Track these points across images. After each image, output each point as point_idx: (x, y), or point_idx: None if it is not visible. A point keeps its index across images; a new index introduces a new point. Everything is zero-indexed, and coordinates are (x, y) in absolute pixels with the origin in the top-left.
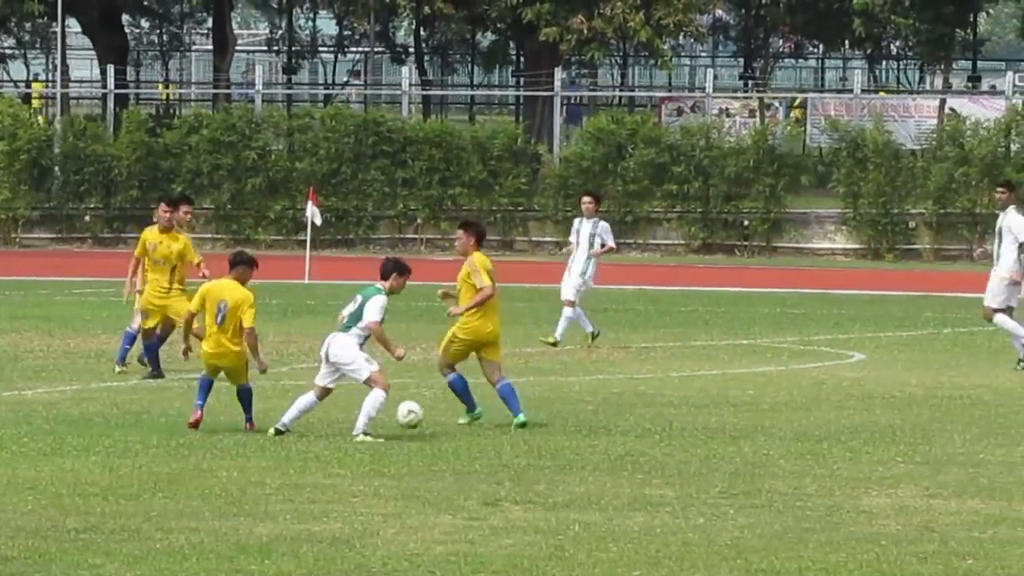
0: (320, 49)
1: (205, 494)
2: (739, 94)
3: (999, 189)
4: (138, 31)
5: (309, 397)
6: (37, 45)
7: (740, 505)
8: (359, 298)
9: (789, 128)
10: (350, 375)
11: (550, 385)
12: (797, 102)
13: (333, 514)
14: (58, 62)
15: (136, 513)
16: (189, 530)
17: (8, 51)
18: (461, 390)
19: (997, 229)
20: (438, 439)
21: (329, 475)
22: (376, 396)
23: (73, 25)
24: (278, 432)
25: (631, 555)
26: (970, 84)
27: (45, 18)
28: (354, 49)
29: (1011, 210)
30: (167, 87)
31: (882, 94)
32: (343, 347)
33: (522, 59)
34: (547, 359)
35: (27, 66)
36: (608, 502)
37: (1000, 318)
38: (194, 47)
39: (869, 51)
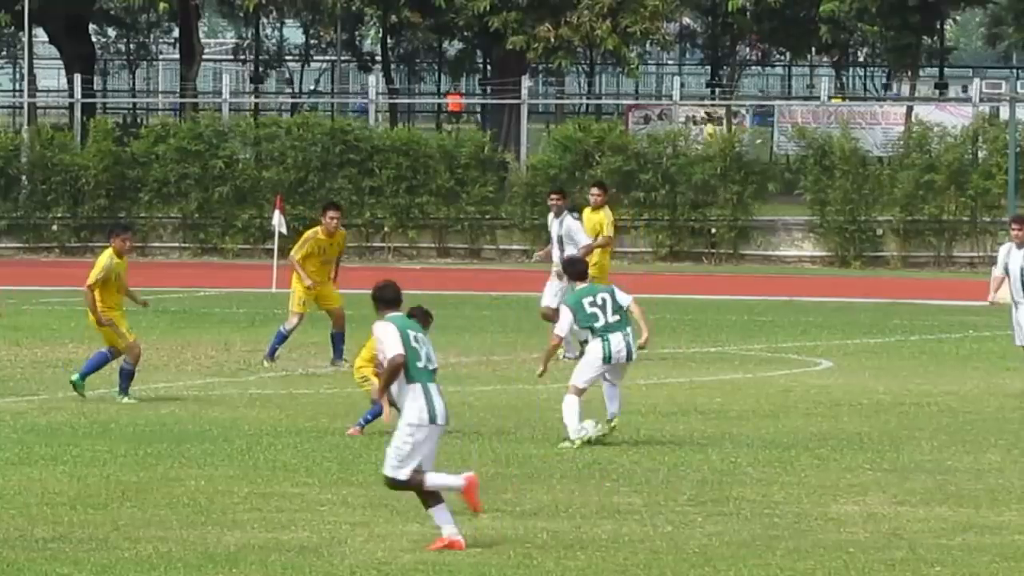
0: (287, 58)
1: (173, 503)
2: (706, 101)
3: (1014, 225)
4: (105, 40)
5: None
6: (3, 54)
7: (708, 513)
8: (602, 295)
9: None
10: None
11: (517, 393)
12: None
13: (301, 523)
14: (25, 71)
15: (104, 522)
16: (157, 539)
17: None
18: None
19: (1004, 265)
20: None
21: (297, 484)
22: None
23: (40, 35)
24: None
25: (599, 563)
26: (937, 91)
27: (12, 27)
28: (321, 58)
29: None
30: (134, 96)
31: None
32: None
33: (489, 67)
34: (514, 368)
35: None
36: (576, 510)
37: None
38: (161, 56)
39: (836, 58)
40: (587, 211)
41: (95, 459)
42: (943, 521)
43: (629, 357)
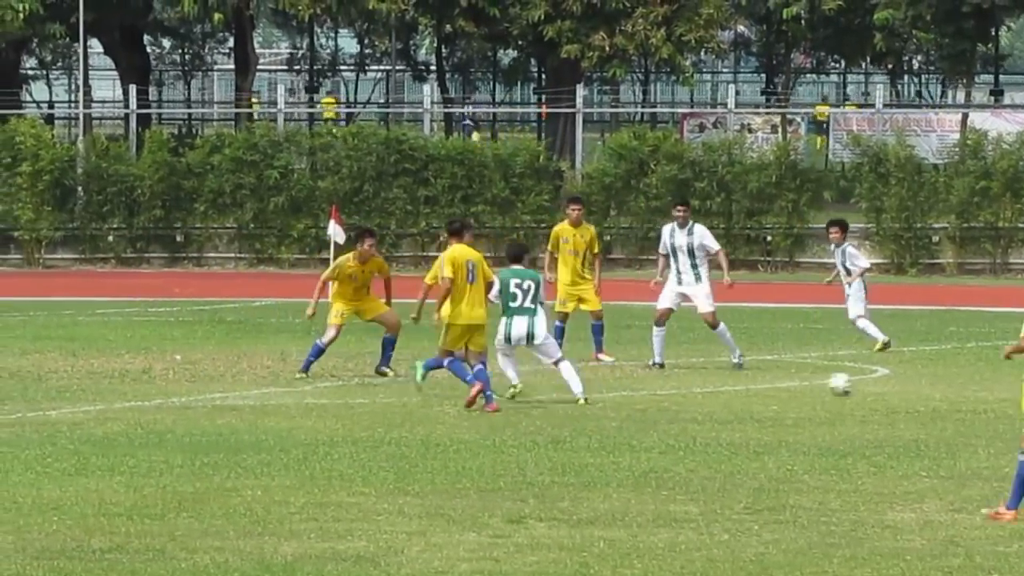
0: (341, 68)
1: (229, 513)
2: (761, 109)
3: None
4: (160, 51)
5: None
6: (59, 66)
7: (764, 521)
8: (529, 282)
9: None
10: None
11: (573, 402)
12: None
13: (358, 532)
14: (80, 83)
15: (161, 533)
16: (214, 549)
17: (31, 72)
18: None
19: None
20: (462, 457)
21: (353, 493)
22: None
23: (95, 46)
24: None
25: (656, 572)
26: (992, 98)
27: (67, 39)
28: (375, 67)
29: None
30: (189, 106)
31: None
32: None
33: (543, 76)
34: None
35: (49, 87)
36: (632, 519)
37: None
38: (216, 66)
39: (890, 66)
40: (565, 227)
41: (151, 469)
42: (1000, 528)
43: (530, 341)
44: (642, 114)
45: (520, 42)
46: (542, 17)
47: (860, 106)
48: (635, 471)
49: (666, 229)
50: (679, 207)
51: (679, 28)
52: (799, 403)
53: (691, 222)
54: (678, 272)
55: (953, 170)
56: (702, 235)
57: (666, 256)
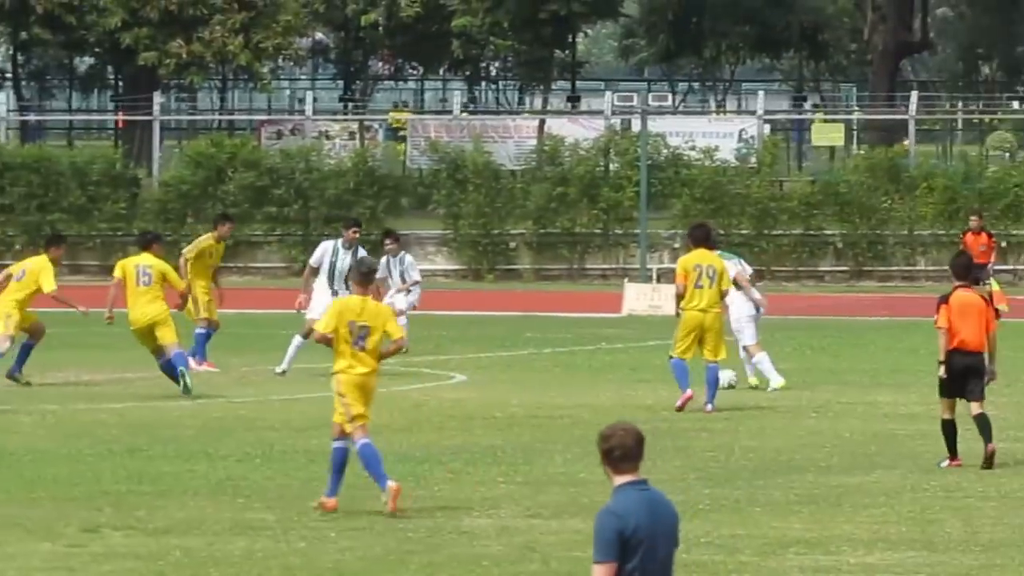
0: None
1: None
2: (339, 116)
3: None
4: None
5: None
6: None
7: (341, 528)
8: None
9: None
10: None
11: (150, 410)
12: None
13: None
14: None
15: None
16: None
17: None
18: None
19: None
20: (37, 466)
21: None
22: None
23: None
24: None
25: None
26: (569, 104)
27: None
28: None
29: None
30: None
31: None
32: None
33: (121, 83)
34: (147, 384)
35: None
36: (209, 527)
37: None
38: None
39: (468, 72)
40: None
41: None
42: (576, 533)
43: None
44: (220, 121)
45: (97, 49)
46: (119, 24)
47: (438, 112)
48: (211, 479)
49: (329, 245)
50: (353, 227)
51: (257, 35)
52: (376, 410)
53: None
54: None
55: (530, 176)
56: (411, 263)
57: (318, 268)
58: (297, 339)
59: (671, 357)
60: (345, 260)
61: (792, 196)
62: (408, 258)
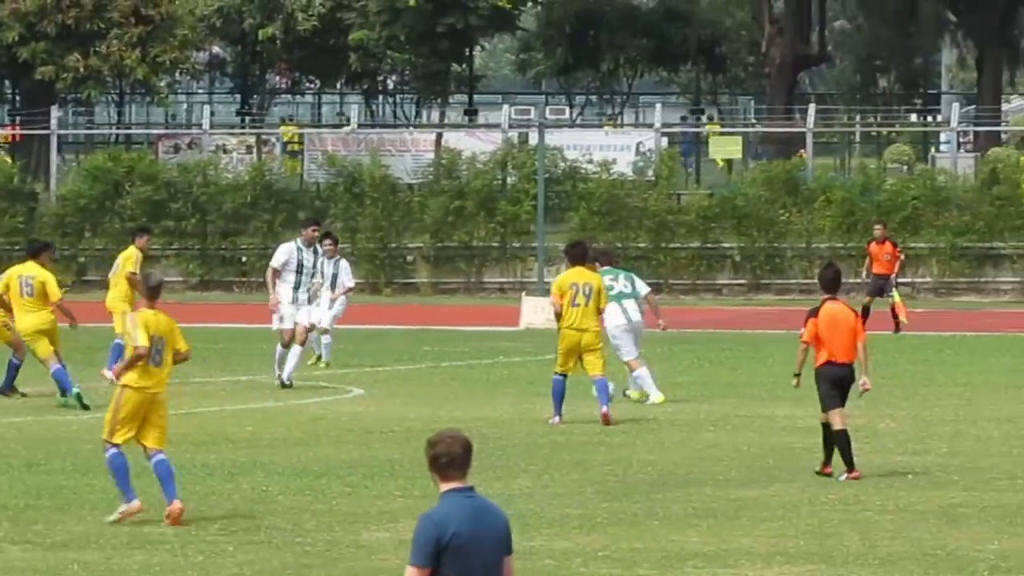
0: None
1: None
2: (236, 130)
3: None
4: None
5: None
6: None
7: (239, 542)
8: None
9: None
10: None
11: (49, 425)
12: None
13: None
14: None
15: None
16: None
17: None
18: None
19: None
20: None
21: None
22: None
23: None
24: None
25: None
26: (466, 117)
27: None
28: None
29: None
30: None
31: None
32: None
33: (18, 98)
34: (45, 399)
35: None
36: (107, 541)
37: None
38: None
39: (366, 86)
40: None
41: None
42: None
43: None
44: (117, 135)
45: None
46: (16, 39)
47: (336, 126)
48: (110, 493)
49: (290, 246)
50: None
51: (154, 49)
52: (274, 424)
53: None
54: (296, 291)
55: (428, 190)
56: (345, 268)
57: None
58: (280, 349)
59: (555, 373)
60: (309, 258)
61: (690, 209)
62: (344, 263)
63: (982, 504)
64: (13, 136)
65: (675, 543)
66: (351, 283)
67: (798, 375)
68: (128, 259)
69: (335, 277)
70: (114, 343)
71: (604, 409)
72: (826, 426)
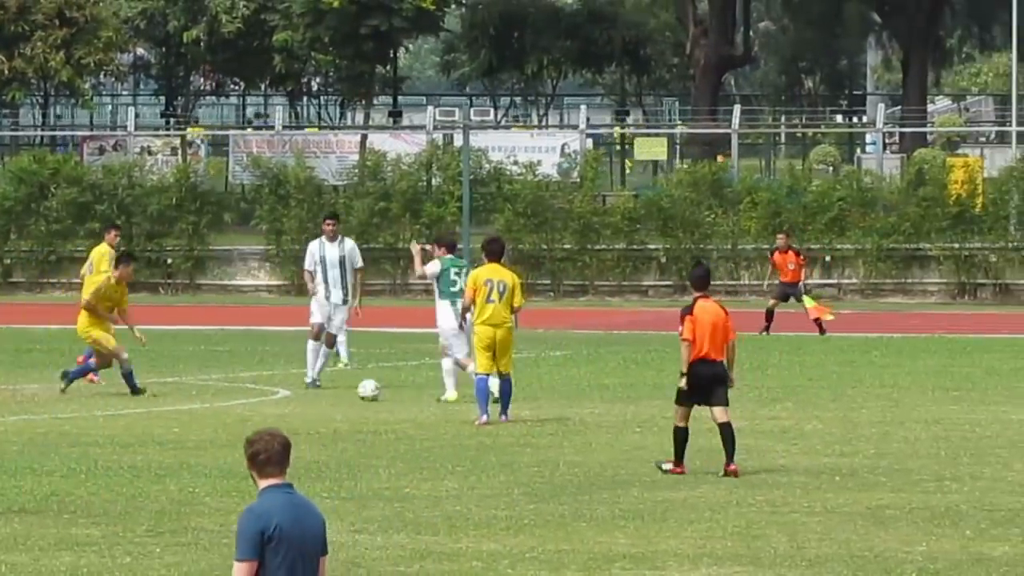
0: None
1: None
2: (161, 132)
3: None
4: None
5: None
6: None
7: (167, 543)
8: None
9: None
10: None
11: None
12: None
13: None
14: None
15: None
16: None
17: None
18: None
19: None
20: None
21: None
22: None
23: None
24: None
25: None
26: (391, 119)
27: None
28: None
29: None
30: None
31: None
32: None
33: None
34: None
35: None
36: (35, 542)
37: None
38: None
39: (290, 88)
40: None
41: None
42: (401, 549)
43: None
44: (42, 137)
45: None
46: None
47: (260, 128)
48: (37, 495)
49: (314, 244)
50: (328, 220)
51: (78, 51)
52: (201, 425)
53: (341, 235)
54: (328, 285)
55: (353, 191)
56: (352, 248)
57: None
58: (312, 344)
59: (476, 373)
60: (332, 250)
61: (615, 211)
62: (349, 242)
63: (910, 506)
64: None
65: (602, 544)
66: (360, 263)
67: (684, 374)
68: (103, 256)
69: (341, 259)
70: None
71: (503, 418)
72: (678, 427)
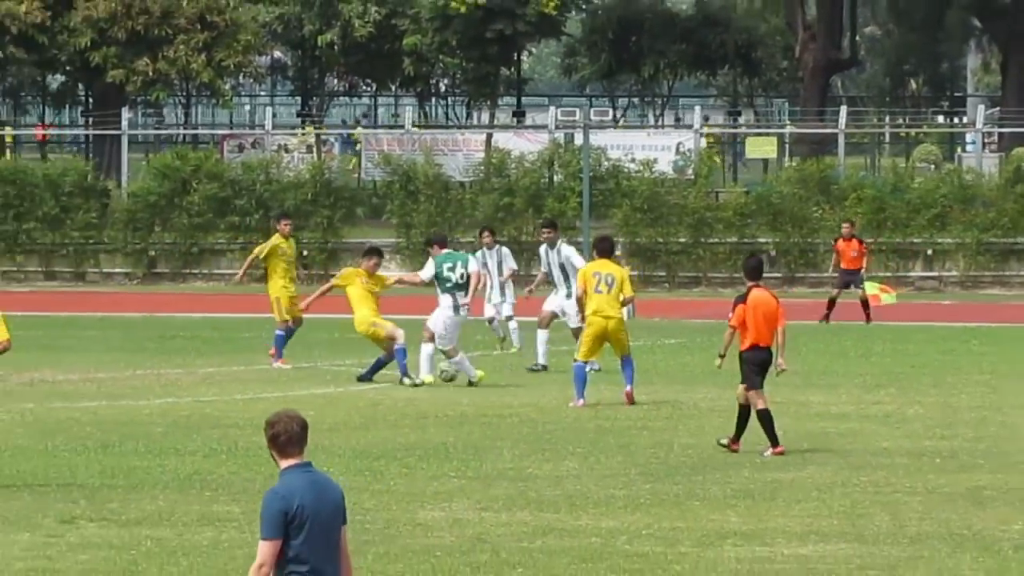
0: None
1: None
2: (296, 130)
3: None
4: None
5: None
6: None
7: None
8: None
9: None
10: None
11: (122, 409)
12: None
13: None
14: None
15: None
16: None
17: None
18: None
19: None
20: (16, 460)
21: None
22: None
23: None
24: None
25: (200, 568)
26: (515, 119)
27: None
28: None
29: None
30: None
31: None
32: None
33: (91, 99)
34: (118, 384)
35: None
36: (178, 519)
37: None
38: None
39: (419, 89)
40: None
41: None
42: (524, 525)
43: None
44: (184, 135)
45: (68, 68)
46: (88, 44)
47: (391, 127)
48: (180, 474)
49: (541, 249)
50: (545, 229)
51: (219, 54)
52: (335, 409)
53: (560, 242)
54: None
55: (478, 187)
56: (568, 254)
57: (547, 273)
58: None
59: (575, 360)
60: (491, 258)
61: (727, 206)
62: (504, 250)
63: (1007, 486)
64: (43, 136)
65: (715, 522)
66: (514, 264)
67: (723, 356)
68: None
69: (500, 265)
70: (277, 333)
71: (628, 388)
72: (744, 405)
